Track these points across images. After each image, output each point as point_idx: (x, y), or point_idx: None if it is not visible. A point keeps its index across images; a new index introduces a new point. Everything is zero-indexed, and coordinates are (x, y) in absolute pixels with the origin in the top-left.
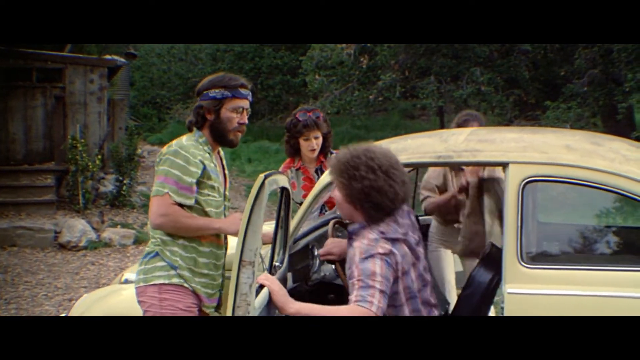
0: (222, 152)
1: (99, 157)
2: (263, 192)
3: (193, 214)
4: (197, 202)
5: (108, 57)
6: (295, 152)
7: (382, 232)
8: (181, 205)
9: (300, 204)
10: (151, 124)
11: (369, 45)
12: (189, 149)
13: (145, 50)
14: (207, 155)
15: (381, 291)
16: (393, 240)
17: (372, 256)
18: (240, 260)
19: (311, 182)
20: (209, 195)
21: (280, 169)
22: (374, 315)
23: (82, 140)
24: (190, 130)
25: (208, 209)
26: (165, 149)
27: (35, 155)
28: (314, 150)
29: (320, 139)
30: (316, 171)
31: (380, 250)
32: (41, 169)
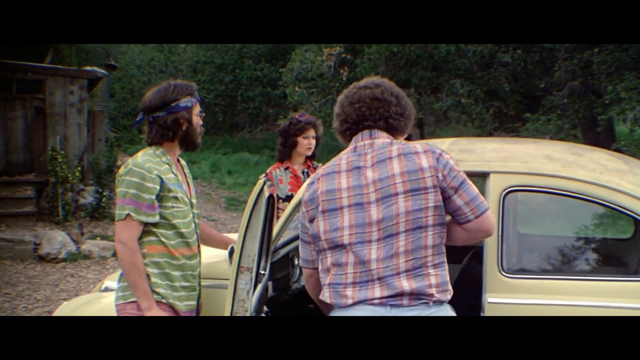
0: (182, 161)
1: (79, 168)
2: (262, 198)
3: (161, 230)
4: (162, 217)
5: (88, 68)
6: (288, 153)
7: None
8: (146, 223)
9: (285, 198)
10: (131, 135)
11: (349, 57)
12: (143, 165)
13: (126, 62)
14: (166, 166)
15: (300, 239)
16: (312, 181)
17: None
18: (239, 266)
19: (297, 180)
20: (173, 207)
21: (269, 170)
22: (303, 268)
23: (62, 152)
24: (161, 144)
25: (175, 221)
26: (122, 169)
27: (15, 167)
28: (310, 148)
29: (314, 141)
30: (303, 172)
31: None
32: (21, 180)
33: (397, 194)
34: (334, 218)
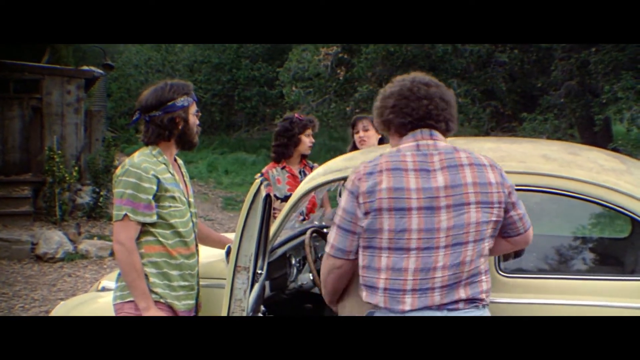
0: (179, 161)
1: (76, 168)
2: (259, 197)
3: (159, 230)
4: (160, 216)
5: (85, 68)
6: (286, 152)
7: (369, 161)
8: (144, 223)
9: (283, 198)
10: (128, 135)
11: (346, 57)
12: (140, 166)
13: (123, 62)
14: (163, 166)
15: (339, 227)
16: (372, 171)
17: (345, 188)
18: (235, 265)
19: (295, 179)
20: (170, 207)
21: (264, 169)
22: (330, 257)
23: (59, 152)
24: (157, 144)
25: (173, 221)
26: (118, 169)
27: (12, 167)
28: (311, 146)
29: (313, 139)
30: (300, 172)
31: (351, 181)
32: (18, 180)
33: (469, 204)
34: (402, 218)
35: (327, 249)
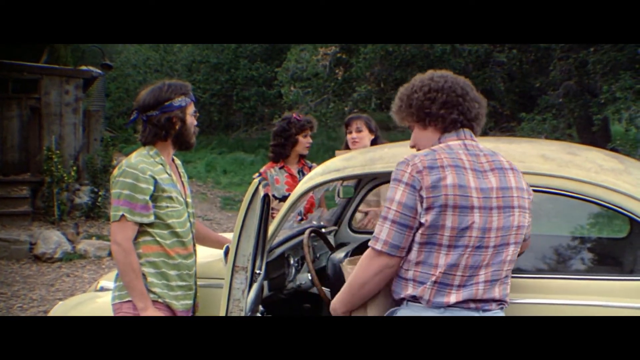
0: (177, 161)
1: (74, 168)
2: (257, 197)
3: (156, 230)
4: (157, 217)
5: (84, 68)
6: (284, 152)
7: (424, 154)
8: (141, 224)
9: (282, 198)
10: (126, 135)
11: (344, 56)
12: (137, 166)
13: (121, 61)
14: (160, 166)
15: (394, 222)
16: (432, 165)
17: (397, 181)
18: (234, 265)
19: (293, 179)
20: (167, 207)
21: (263, 169)
22: (383, 255)
23: (58, 152)
24: (154, 144)
25: (170, 221)
26: (115, 170)
27: (10, 167)
28: (309, 147)
29: (311, 140)
30: (298, 172)
31: (407, 174)
32: (16, 180)
33: (514, 207)
34: (465, 216)
35: (378, 246)
